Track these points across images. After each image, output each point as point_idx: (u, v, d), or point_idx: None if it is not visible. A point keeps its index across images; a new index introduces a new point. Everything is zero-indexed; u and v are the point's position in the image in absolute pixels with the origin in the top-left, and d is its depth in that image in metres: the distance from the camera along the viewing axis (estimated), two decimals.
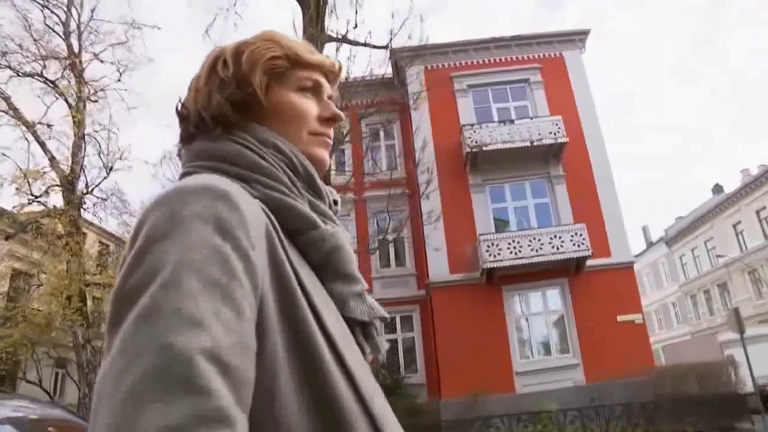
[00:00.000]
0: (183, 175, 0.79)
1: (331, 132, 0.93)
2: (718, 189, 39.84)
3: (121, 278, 0.60)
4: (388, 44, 11.88)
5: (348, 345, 0.73)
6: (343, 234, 0.83)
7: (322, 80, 0.92)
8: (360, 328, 0.81)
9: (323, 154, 0.90)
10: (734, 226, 34.01)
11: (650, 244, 47.03)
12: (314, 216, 0.80)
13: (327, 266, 0.79)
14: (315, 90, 0.90)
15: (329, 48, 11.37)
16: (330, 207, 0.88)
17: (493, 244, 15.86)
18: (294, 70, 0.88)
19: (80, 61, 15.45)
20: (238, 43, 0.88)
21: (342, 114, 0.93)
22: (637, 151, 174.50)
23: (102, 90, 15.91)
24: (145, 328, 0.53)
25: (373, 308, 0.83)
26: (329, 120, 0.91)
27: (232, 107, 0.82)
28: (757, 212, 31.71)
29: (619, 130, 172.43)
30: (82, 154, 14.93)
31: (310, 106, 0.89)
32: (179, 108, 0.87)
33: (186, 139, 0.86)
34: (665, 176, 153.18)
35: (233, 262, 0.60)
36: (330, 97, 0.94)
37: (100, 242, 22.21)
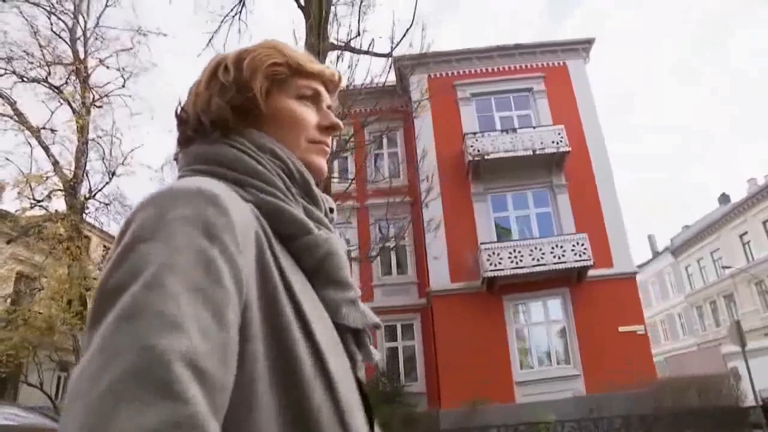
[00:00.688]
0: (179, 179, 0.78)
1: (329, 141, 0.93)
2: (724, 199, 39.55)
3: (105, 275, 0.59)
4: (390, 52, 11.91)
5: (335, 354, 0.72)
6: (337, 240, 0.82)
7: (322, 89, 0.92)
8: (352, 336, 0.80)
9: (321, 162, 0.90)
10: (741, 237, 33.77)
11: (656, 254, 46.76)
12: (308, 221, 0.79)
13: (320, 272, 0.78)
14: (314, 99, 0.91)
15: (331, 56, 11.42)
16: (326, 214, 0.87)
17: (494, 253, 15.81)
18: (294, 78, 0.88)
19: (85, 67, 15.63)
20: (239, 50, 0.89)
21: (341, 123, 0.93)
22: (637, 151, 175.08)
23: (106, 96, 16.08)
24: (126, 328, 0.52)
25: (366, 315, 0.82)
26: (328, 129, 0.91)
27: (232, 111, 0.82)
28: (764, 223, 31.47)
29: (619, 130, 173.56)
30: (85, 159, 15.06)
31: (309, 114, 0.89)
32: (179, 111, 0.88)
33: (184, 142, 0.85)
34: (665, 176, 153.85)
35: (218, 266, 0.59)
36: (329, 107, 0.94)
37: (103, 246, 22.30)
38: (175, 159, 0.88)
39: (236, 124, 0.83)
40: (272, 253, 0.71)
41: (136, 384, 0.48)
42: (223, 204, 0.64)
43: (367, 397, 0.78)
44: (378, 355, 0.86)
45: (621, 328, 15.36)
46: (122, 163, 15.69)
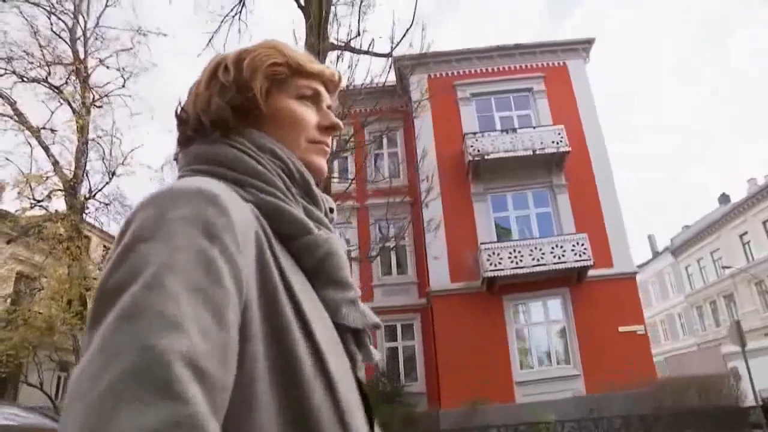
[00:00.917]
0: (179, 178, 0.78)
1: (329, 141, 0.93)
2: (724, 199, 39.56)
3: (105, 275, 0.59)
4: (390, 52, 11.90)
5: (335, 354, 0.72)
6: (337, 240, 0.82)
7: (322, 89, 0.92)
8: (352, 336, 0.80)
9: (321, 162, 0.90)
10: (741, 237, 33.76)
11: (656, 254, 46.76)
12: (308, 221, 0.79)
13: (320, 272, 0.78)
14: (314, 99, 0.91)
15: (331, 56, 11.41)
16: (326, 214, 0.87)
17: (494, 253, 15.81)
18: (294, 78, 0.89)
19: (85, 67, 15.64)
20: (239, 50, 0.89)
21: (341, 123, 0.93)
22: (637, 151, 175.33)
23: (106, 96, 16.09)
24: (126, 328, 0.52)
25: (366, 315, 0.82)
26: (328, 129, 0.91)
27: (232, 111, 0.82)
28: (764, 223, 31.46)
29: (619, 130, 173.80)
30: (85, 159, 15.07)
31: (309, 114, 0.89)
32: (179, 111, 0.87)
33: (184, 142, 0.85)
34: (665, 176, 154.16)
35: (218, 266, 0.59)
36: (329, 107, 0.94)
37: (103, 246, 22.29)
38: (175, 159, 0.88)
39: (236, 124, 0.83)
40: (272, 253, 0.71)
41: (136, 384, 0.48)
42: (223, 204, 0.64)
43: (367, 397, 0.78)
44: (378, 355, 0.86)
45: (621, 328, 15.35)
46: (122, 163, 15.73)
